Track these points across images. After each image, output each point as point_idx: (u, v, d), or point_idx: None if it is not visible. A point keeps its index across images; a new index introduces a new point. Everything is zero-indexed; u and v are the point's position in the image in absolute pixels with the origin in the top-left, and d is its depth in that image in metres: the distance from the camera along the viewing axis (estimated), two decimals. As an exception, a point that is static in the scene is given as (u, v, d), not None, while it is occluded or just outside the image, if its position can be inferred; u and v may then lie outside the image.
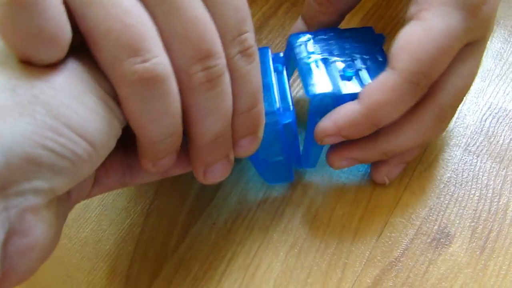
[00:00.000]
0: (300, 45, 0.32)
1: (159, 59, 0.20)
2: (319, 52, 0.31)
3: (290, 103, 0.30)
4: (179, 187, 0.35)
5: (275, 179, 0.34)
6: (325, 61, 0.31)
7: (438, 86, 0.28)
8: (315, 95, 0.29)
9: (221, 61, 0.22)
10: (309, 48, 0.32)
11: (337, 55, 0.31)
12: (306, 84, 0.30)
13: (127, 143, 0.25)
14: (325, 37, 0.33)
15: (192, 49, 0.21)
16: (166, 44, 0.21)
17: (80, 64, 0.20)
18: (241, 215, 0.33)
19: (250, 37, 0.23)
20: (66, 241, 0.33)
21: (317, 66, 0.31)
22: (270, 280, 0.30)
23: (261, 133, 0.26)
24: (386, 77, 0.27)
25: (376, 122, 0.28)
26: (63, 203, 0.23)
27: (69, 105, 0.19)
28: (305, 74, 0.30)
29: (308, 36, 0.33)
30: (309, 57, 0.31)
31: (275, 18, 0.44)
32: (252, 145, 0.26)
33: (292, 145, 0.31)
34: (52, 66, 0.19)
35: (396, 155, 0.31)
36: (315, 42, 0.32)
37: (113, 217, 0.34)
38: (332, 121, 0.29)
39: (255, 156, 0.28)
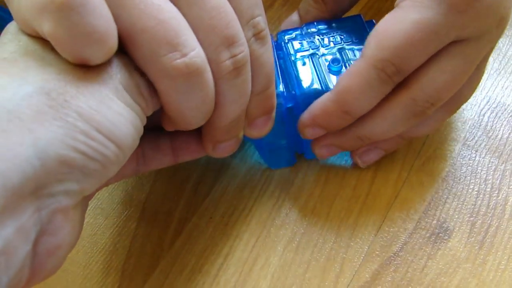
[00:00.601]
0: (288, 42, 0.32)
1: (196, 52, 0.21)
2: (306, 48, 0.31)
3: (295, 88, 0.30)
4: (176, 181, 0.34)
5: (278, 163, 0.34)
6: (312, 56, 0.31)
7: (413, 78, 0.28)
8: (302, 93, 0.29)
9: (245, 47, 0.23)
10: (296, 45, 0.31)
11: (325, 48, 0.31)
12: (292, 82, 0.30)
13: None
14: (314, 30, 0.32)
15: (219, 36, 0.22)
16: (195, 35, 0.22)
17: (107, 72, 0.21)
18: (238, 209, 0.33)
19: (262, 20, 0.24)
20: (61, 235, 0.32)
21: (304, 63, 0.30)
22: (268, 275, 0.30)
23: (274, 114, 0.27)
24: (355, 64, 0.27)
25: (346, 109, 0.28)
26: (86, 199, 0.25)
27: (98, 110, 0.20)
28: (292, 72, 0.30)
29: (295, 33, 0.32)
30: (296, 55, 0.31)
31: (272, 11, 0.44)
32: (266, 125, 0.27)
33: (295, 129, 0.31)
34: (84, 73, 0.20)
35: (373, 142, 0.31)
36: (303, 37, 0.32)
37: (109, 211, 0.33)
38: (308, 112, 0.29)
39: (259, 140, 0.29)
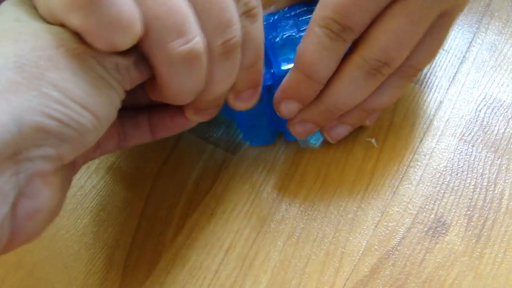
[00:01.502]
0: (268, 26, 0.32)
1: (198, 39, 0.22)
2: (286, 30, 0.32)
3: (273, 67, 0.30)
4: (177, 177, 0.35)
5: (256, 140, 0.35)
6: (290, 37, 0.31)
7: (362, 38, 0.28)
8: (280, 71, 0.30)
9: (238, 32, 0.24)
10: (276, 28, 0.32)
11: (302, 30, 0.31)
12: (271, 61, 0.31)
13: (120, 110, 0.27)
14: (296, 12, 0.33)
15: (214, 21, 0.23)
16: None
17: (83, 47, 0.22)
18: (239, 205, 0.33)
19: None
20: (64, 231, 0.33)
21: (282, 44, 0.31)
22: (268, 270, 0.31)
23: (260, 88, 0.29)
24: (307, 28, 0.29)
25: (308, 73, 0.29)
26: (68, 168, 0.25)
27: (72, 81, 0.21)
28: (270, 52, 0.31)
29: (277, 16, 0.33)
30: (276, 36, 0.31)
31: None
32: (252, 99, 0.29)
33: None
34: (57, 48, 0.21)
35: (342, 114, 0.32)
36: (284, 20, 0.32)
37: (110, 207, 0.34)
38: (279, 87, 0.30)
39: (240, 116, 0.31)
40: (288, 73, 0.30)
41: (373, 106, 0.32)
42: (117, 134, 0.29)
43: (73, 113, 0.21)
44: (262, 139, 0.35)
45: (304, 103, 0.31)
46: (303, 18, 0.32)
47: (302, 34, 0.31)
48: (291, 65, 0.30)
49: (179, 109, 0.29)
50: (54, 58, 0.21)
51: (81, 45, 0.22)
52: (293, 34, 0.31)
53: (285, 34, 0.31)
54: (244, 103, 0.28)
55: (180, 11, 0.22)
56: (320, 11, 0.28)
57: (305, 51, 0.28)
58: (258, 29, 0.26)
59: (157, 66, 0.23)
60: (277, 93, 0.30)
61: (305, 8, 0.33)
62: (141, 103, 0.30)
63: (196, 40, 0.22)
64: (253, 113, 0.31)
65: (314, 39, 0.28)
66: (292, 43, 0.31)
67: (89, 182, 0.35)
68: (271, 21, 0.32)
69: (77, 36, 0.22)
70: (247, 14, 0.25)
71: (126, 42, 0.21)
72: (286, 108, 0.31)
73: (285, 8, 0.33)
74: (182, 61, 0.23)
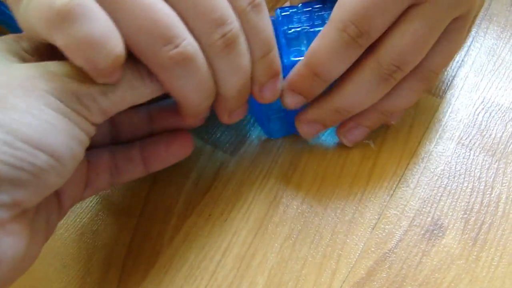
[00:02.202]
0: (283, 18, 0.32)
1: (187, 41, 0.23)
2: (300, 25, 0.32)
3: (283, 58, 0.30)
4: (176, 178, 0.35)
5: (279, 133, 0.36)
6: (304, 31, 0.31)
7: (378, 42, 0.29)
8: (290, 62, 0.30)
9: (235, 24, 0.24)
10: (291, 21, 0.32)
11: (318, 25, 0.31)
12: (283, 52, 0.31)
13: (112, 146, 0.27)
14: (309, 9, 0.33)
15: (206, 22, 0.23)
16: (185, 24, 0.23)
17: (39, 81, 0.21)
18: (237, 206, 0.33)
19: None
20: (63, 231, 0.33)
21: (295, 36, 0.31)
22: (265, 271, 0.31)
23: (280, 76, 0.29)
24: (323, 28, 0.29)
25: (316, 71, 0.29)
26: (46, 212, 0.24)
27: (21, 121, 0.20)
28: (283, 43, 0.31)
29: (292, 10, 0.33)
30: (290, 28, 0.31)
31: None
32: (275, 89, 0.29)
33: None
34: (8, 87, 0.21)
35: (352, 116, 0.32)
36: (299, 15, 0.32)
37: (110, 207, 0.34)
38: (286, 78, 0.30)
39: (257, 109, 0.32)
40: (296, 66, 0.30)
41: (389, 108, 0.32)
42: (109, 170, 0.29)
43: (25, 155, 0.20)
44: (286, 130, 0.35)
45: (308, 98, 0.31)
46: (319, 13, 0.32)
47: (316, 28, 0.31)
48: (301, 58, 0.30)
49: (174, 138, 0.30)
50: (3, 97, 0.20)
51: (41, 81, 0.21)
52: (307, 27, 0.31)
53: (299, 27, 0.31)
54: (270, 94, 0.28)
55: (162, 20, 0.22)
56: (338, 13, 0.28)
57: (318, 50, 0.29)
58: (264, 19, 0.26)
59: (157, 74, 0.24)
60: (283, 84, 0.30)
61: (320, 5, 0.33)
62: (138, 134, 0.30)
63: (186, 42, 0.23)
64: (268, 106, 0.32)
65: (329, 40, 0.28)
66: (305, 36, 0.31)
67: (88, 182, 0.35)
68: (285, 14, 0.32)
69: (48, 72, 0.22)
70: (251, 5, 0.25)
71: (106, 60, 0.21)
72: (290, 100, 0.31)
73: (300, 4, 0.33)
74: (177, 65, 0.23)
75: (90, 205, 0.34)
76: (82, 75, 0.22)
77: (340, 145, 0.35)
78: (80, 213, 0.34)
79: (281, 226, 0.32)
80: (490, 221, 0.32)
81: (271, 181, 0.34)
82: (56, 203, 0.26)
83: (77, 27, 0.20)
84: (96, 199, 0.34)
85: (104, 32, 0.21)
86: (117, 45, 0.21)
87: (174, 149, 0.30)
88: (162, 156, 0.30)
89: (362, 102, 0.31)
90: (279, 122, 0.35)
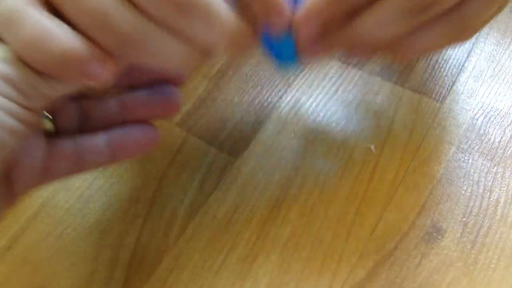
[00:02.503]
0: None
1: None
2: None
3: None
4: (181, 180, 0.35)
5: (290, 57, 0.30)
6: None
7: None
8: None
9: None
10: None
11: None
12: None
13: (79, 134, 0.26)
14: None
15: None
16: None
17: None
18: (240, 207, 0.34)
19: None
20: (71, 230, 0.34)
21: None
22: (267, 272, 0.31)
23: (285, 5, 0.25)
24: None
25: None
26: None
27: None
28: None
29: None
30: None
31: None
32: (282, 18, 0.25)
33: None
34: None
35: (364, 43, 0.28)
36: None
37: (116, 207, 0.34)
38: (305, 5, 0.27)
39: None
40: None
41: (408, 48, 0.28)
42: (72, 158, 0.27)
43: None
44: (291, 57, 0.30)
45: (326, 24, 0.27)
46: None
47: None
48: None
49: (140, 129, 0.28)
50: None
51: None
52: None
53: None
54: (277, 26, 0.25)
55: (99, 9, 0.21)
56: None
57: None
58: None
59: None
60: (301, 10, 0.26)
61: None
62: (108, 123, 0.29)
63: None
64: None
65: None
66: None
67: (96, 182, 0.35)
68: None
69: None
70: None
71: (53, 58, 0.21)
72: (307, 27, 0.27)
73: None
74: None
75: (97, 205, 0.34)
76: (20, 60, 0.21)
77: (342, 148, 0.36)
78: (88, 213, 0.34)
79: (283, 228, 0.33)
80: (488, 224, 0.32)
81: (273, 183, 0.35)
82: (4, 190, 0.25)
83: (18, 31, 0.20)
84: (103, 199, 0.35)
85: (42, 32, 0.20)
86: (61, 42, 0.20)
87: (139, 141, 0.28)
88: (128, 148, 0.28)
89: (385, 29, 0.26)
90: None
